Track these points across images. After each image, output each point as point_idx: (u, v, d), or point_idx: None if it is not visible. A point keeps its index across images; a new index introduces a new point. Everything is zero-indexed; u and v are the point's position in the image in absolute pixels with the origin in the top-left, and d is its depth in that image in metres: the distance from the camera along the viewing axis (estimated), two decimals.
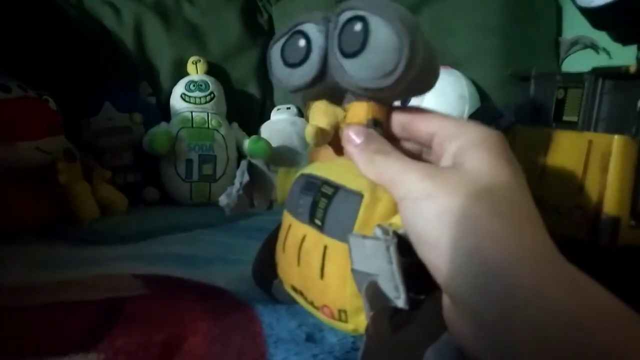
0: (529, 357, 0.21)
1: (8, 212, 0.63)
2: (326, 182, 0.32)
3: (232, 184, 0.41)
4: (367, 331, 0.29)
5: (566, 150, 0.47)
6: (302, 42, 0.29)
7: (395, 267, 0.26)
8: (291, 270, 0.34)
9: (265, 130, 1.01)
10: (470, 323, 0.23)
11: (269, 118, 1.05)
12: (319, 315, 0.33)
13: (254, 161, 0.78)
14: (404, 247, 0.26)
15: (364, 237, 0.27)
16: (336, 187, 0.31)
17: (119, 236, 0.63)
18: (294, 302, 0.36)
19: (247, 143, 0.94)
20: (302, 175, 0.35)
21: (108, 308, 0.38)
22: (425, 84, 0.31)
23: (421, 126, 0.30)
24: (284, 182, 0.40)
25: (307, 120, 0.34)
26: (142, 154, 0.89)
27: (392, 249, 0.26)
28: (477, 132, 0.27)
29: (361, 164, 0.30)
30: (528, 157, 0.51)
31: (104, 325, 0.35)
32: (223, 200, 0.42)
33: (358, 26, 0.26)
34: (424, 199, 0.25)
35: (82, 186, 0.73)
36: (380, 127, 0.31)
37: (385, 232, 0.26)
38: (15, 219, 0.64)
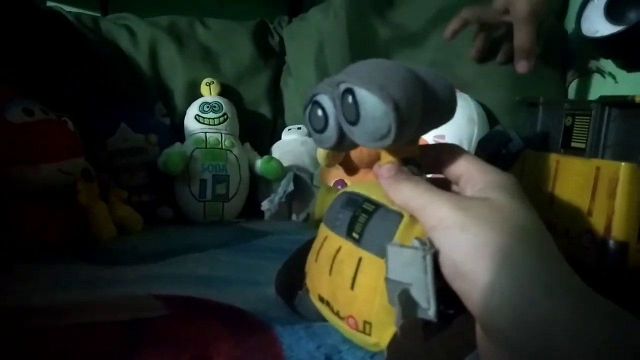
0: None
1: (31, 232, 0.65)
2: (368, 200, 0.34)
3: (276, 191, 0.42)
4: (388, 347, 0.30)
5: (575, 176, 0.48)
6: (319, 112, 0.31)
7: (429, 277, 0.27)
8: (321, 280, 0.36)
9: (277, 150, 1.03)
10: (508, 355, 0.24)
11: (280, 138, 1.06)
12: (343, 326, 0.34)
13: (299, 173, 0.80)
14: (437, 268, 0.27)
15: (402, 246, 0.29)
16: (377, 205, 0.33)
17: (138, 256, 0.64)
18: (316, 314, 0.38)
19: (259, 163, 0.95)
20: (345, 192, 0.37)
21: (133, 329, 0.40)
22: (439, 120, 0.33)
23: (449, 166, 0.32)
24: (324, 197, 0.41)
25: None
26: (157, 174, 0.91)
27: (429, 258, 0.27)
28: (498, 175, 0.30)
29: (390, 190, 0.31)
30: (537, 181, 0.52)
31: (131, 346, 0.37)
32: (265, 205, 0.43)
33: (350, 99, 0.28)
34: (456, 229, 0.26)
35: (100, 206, 0.74)
36: (413, 164, 0.33)
37: (422, 243, 0.28)
38: (37, 238, 0.66)
